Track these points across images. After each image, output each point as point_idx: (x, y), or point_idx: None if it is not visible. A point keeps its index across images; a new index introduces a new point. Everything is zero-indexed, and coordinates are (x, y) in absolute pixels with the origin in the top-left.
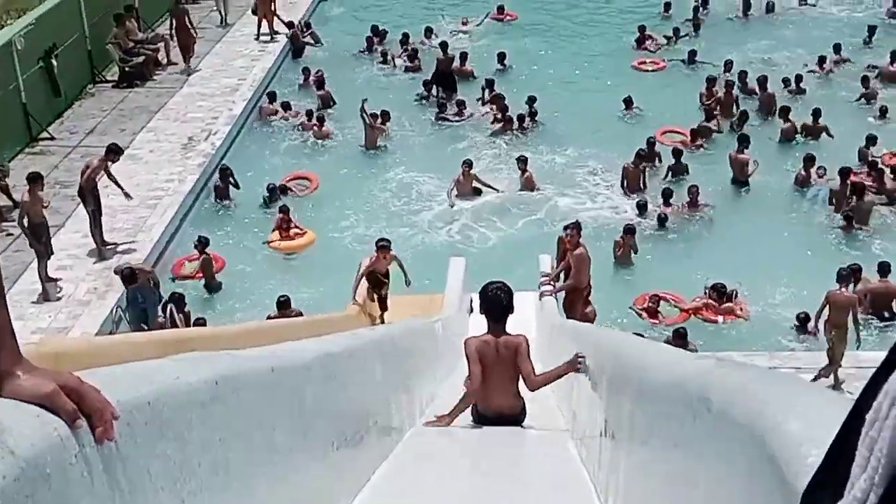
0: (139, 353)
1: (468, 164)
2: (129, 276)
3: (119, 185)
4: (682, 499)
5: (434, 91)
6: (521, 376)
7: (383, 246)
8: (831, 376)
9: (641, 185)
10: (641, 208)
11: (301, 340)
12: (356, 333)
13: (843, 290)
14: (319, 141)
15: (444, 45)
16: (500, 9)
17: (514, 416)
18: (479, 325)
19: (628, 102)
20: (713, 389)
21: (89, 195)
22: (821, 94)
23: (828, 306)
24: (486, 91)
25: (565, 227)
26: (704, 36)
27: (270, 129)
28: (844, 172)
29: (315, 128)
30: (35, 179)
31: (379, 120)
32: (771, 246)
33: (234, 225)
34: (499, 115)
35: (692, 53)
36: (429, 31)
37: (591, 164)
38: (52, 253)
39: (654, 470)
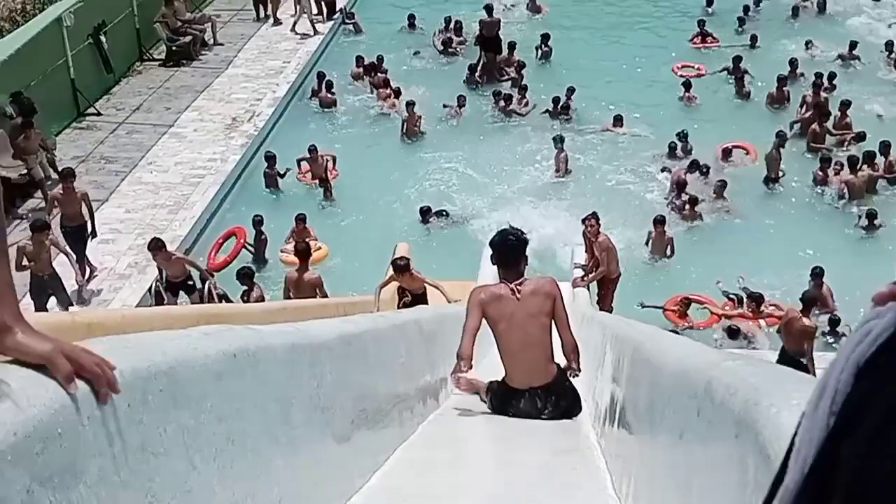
0: (172, 326)
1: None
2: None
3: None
4: (683, 487)
5: (478, 75)
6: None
7: (399, 266)
8: None
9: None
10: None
11: (324, 319)
12: (382, 315)
13: (804, 317)
14: (389, 111)
15: (489, 8)
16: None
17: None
18: None
19: (687, 85)
20: (716, 382)
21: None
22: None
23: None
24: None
25: (584, 219)
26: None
27: (317, 111)
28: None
29: (389, 98)
30: (68, 175)
31: (415, 106)
32: (796, 246)
33: (277, 208)
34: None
35: (737, 60)
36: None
37: (634, 154)
38: (88, 268)
39: (662, 459)
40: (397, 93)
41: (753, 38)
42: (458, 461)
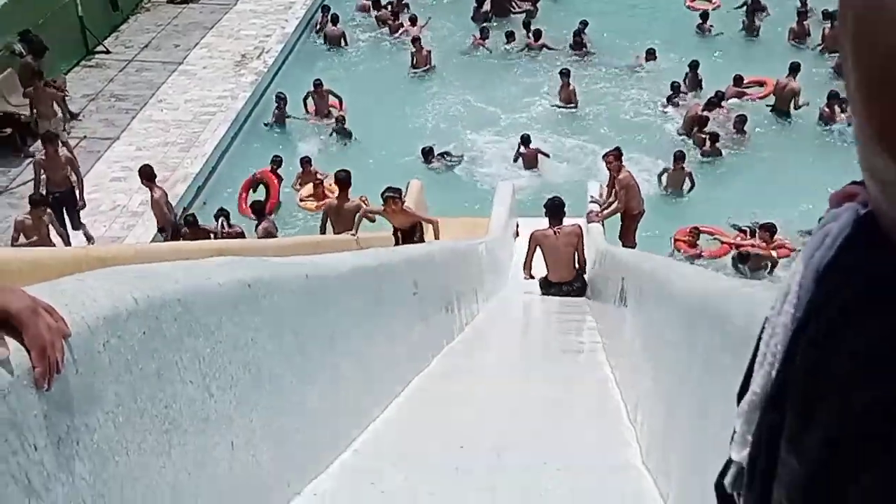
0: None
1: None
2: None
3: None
4: (699, 417)
5: (489, 10)
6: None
7: (389, 197)
8: None
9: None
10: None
11: (338, 253)
12: (396, 250)
13: None
14: (396, 43)
15: None
16: None
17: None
18: (523, 249)
19: (704, 16)
20: (733, 307)
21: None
22: None
23: None
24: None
25: (604, 155)
26: None
27: (324, 47)
28: None
29: (400, 28)
30: (51, 139)
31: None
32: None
33: (287, 147)
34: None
35: None
36: None
37: (644, 93)
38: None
39: (675, 386)
40: (413, 20)
41: None
42: (475, 391)
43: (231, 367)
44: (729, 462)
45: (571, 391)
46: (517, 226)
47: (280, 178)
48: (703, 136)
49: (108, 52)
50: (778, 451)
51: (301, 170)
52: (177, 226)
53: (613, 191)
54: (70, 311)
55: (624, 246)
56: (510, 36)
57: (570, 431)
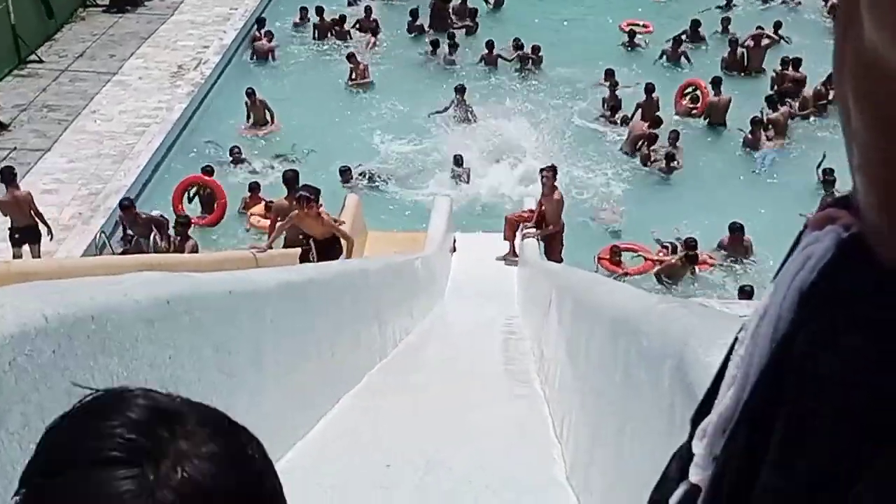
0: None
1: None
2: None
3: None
4: (617, 433)
5: (429, 25)
6: None
7: (301, 197)
8: None
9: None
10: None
11: (266, 269)
12: (328, 265)
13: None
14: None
15: None
16: None
17: None
18: (461, 264)
19: (632, 35)
20: (649, 324)
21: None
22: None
23: None
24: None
25: (541, 170)
26: None
27: (255, 61)
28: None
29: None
30: (9, 181)
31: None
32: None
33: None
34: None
35: (695, 25)
36: None
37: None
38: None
39: (598, 404)
40: (374, 30)
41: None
42: (404, 414)
43: (147, 385)
44: (665, 479)
45: (500, 407)
46: (454, 240)
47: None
48: (651, 152)
49: (41, 61)
50: (751, 472)
51: (249, 194)
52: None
53: (540, 206)
54: None
55: (549, 260)
56: (453, 48)
57: (498, 448)
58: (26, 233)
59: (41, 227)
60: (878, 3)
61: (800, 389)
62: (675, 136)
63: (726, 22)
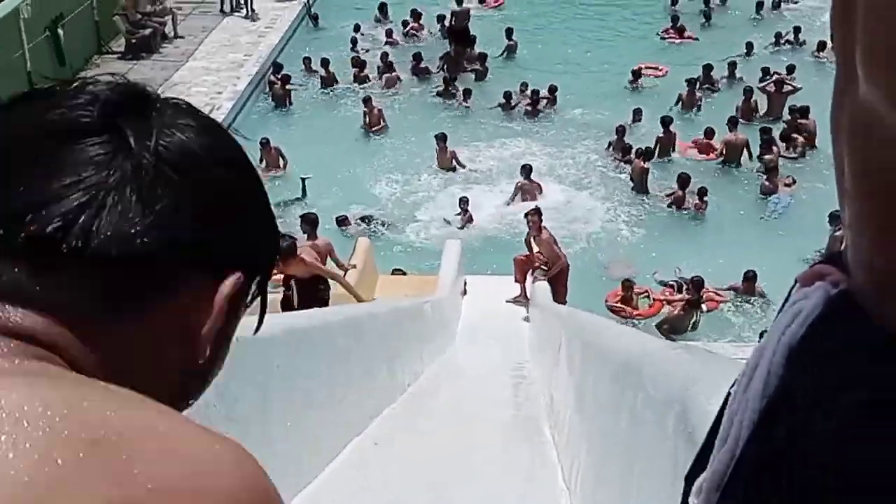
0: None
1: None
2: None
3: None
4: (625, 475)
5: (443, 67)
6: None
7: (282, 249)
8: None
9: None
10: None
11: (272, 314)
12: (336, 310)
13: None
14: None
15: None
16: None
17: None
18: (472, 308)
19: (636, 73)
20: (652, 369)
21: None
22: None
23: None
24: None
25: (526, 214)
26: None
27: (272, 106)
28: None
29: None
30: None
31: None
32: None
33: None
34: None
35: (707, 69)
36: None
37: (593, 153)
38: None
39: (606, 449)
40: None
41: (749, 46)
42: (407, 467)
43: None
44: None
45: (510, 452)
46: (465, 283)
47: None
48: (681, 192)
49: None
50: None
51: None
52: None
53: (531, 249)
54: None
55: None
56: (467, 93)
57: (506, 495)
58: None
59: None
60: (874, 60)
61: (792, 445)
62: (685, 179)
63: (732, 67)
